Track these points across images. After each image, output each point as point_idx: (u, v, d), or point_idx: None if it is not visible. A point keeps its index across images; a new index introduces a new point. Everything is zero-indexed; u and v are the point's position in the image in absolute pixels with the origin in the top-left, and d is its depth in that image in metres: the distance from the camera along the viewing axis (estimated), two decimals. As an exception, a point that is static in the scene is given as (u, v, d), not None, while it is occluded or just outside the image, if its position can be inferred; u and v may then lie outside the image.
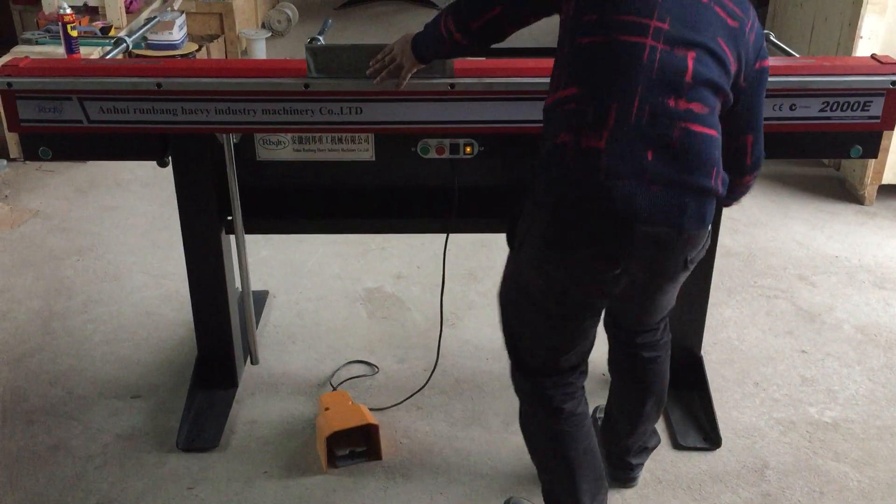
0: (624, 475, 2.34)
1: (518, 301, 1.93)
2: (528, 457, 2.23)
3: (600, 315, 1.96)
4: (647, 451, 2.35)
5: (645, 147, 1.64)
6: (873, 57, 2.26)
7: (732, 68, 1.71)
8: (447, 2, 1.96)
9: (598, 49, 1.67)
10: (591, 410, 2.55)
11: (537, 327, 1.93)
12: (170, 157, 2.35)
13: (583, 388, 2.04)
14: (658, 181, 1.65)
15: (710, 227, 1.79)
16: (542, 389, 1.98)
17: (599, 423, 2.42)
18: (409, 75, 2.05)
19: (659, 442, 2.40)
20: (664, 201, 1.66)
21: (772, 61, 2.27)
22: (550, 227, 1.74)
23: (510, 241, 1.90)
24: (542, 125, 1.81)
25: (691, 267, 1.82)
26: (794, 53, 2.53)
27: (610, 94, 1.65)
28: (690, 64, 1.65)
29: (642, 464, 2.35)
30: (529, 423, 2.06)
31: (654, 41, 1.64)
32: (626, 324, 2.13)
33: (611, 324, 2.17)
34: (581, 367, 2.02)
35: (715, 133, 1.70)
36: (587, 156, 1.65)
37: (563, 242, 1.74)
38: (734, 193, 1.91)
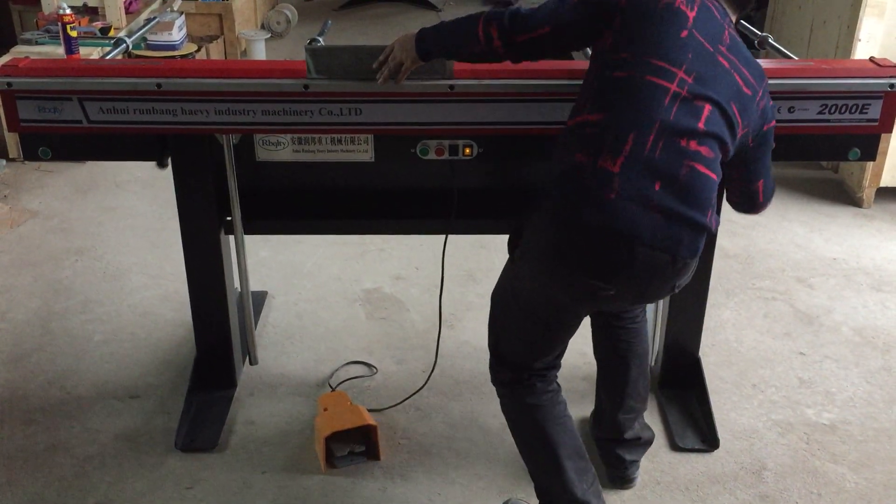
0: (620, 475, 2.35)
1: (509, 304, 2.03)
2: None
3: (580, 321, 2.07)
4: (640, 444, 2.36)
5: (654, 178, 1.76)
6: (871, 60, 2.27)
7: (739, 131, 1.85)
8: (445, 3, 1.97)
9: (626, 83, 1.79)
10: (589, 411, 2.58)
11: (522, 331, 2.05)
12: (169, 159, 2.35)
13: (556, 377, 2.15)
14: (660, 210, 1.77)
15: (697, 260, 1.91)
16: (519, 380, 2.11)
17: (590, 416, 2.49)
18: (408, 73, 2.07)
19: (653, 436, 2.41)
20: (664, 229, 1.78)
21: (771, 64, 2.29)
22: (554, 244, 1.84)
23: (511, 250, 2.00)
24: (556, 147, 1.91)
25: (676, 292, 1.96)
26: (792, 56, 2.53)
27: (630, 123, 1.77)
28: (705, 115, 1.79)
29: (637, 462, 2.36)
30: (508, 407, 2.16)
31: (678, 88, 1.78)
32: (608, 318, 2.31)
33: (597, 316, 2.31)
34: (556, 363, 2.14)
35: (716, 177, 1.84)
36: (602, 175, 1.76)
37: (564, 259, 1.83)
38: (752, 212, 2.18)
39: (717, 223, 1.91)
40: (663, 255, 1.79)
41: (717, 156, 1.82)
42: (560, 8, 1.89)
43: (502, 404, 2.17)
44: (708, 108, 1.78)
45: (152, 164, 2.37)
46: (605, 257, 1.79)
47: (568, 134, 1.88)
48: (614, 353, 2.32)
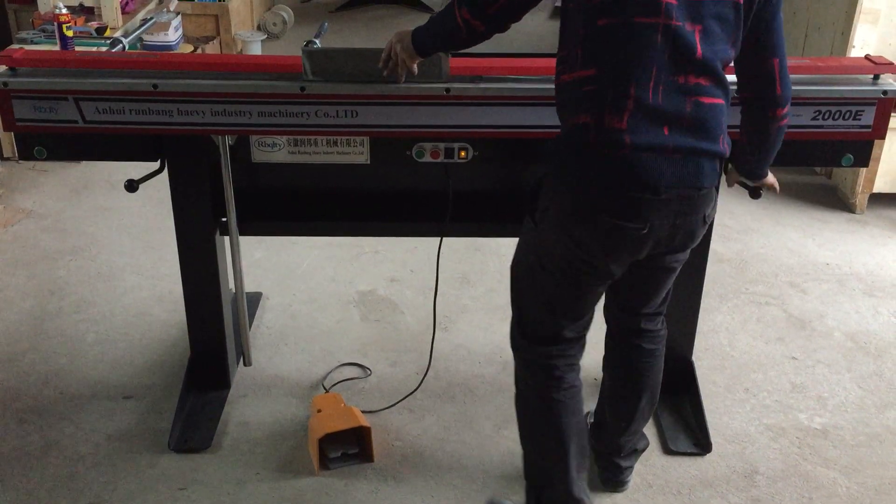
0: (614, 479, 2.35)
1: (534, 271, 2.00)
2: (519, 460, 2.24)
3: (608, 283, 2.02)
4: (636, 453, 2.36)
5: (661, 123, 1.77)
6: (867, 57, 2.28)
7: (743, 9, 1.80)
8: (442, 5, 1.98)
9: (616, 32, 1.76)
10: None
11: (551, 295, 2.00)
12: (139, 185, 2.35)
13: (580, 363, 2.11)
14: (675, 151, 1.78)
15: (716, 186, 1.91)
16: (545, 358, 2.06)
17: (590, 426, 2.43)
18: (407, 70, 2.08)
19: (647, 444, 2.41)
20: (684, 166, 1.79)
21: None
22: (577, 196, 1.83)
23: (531, 213, 1.97)
24: (555, 99, 1.90)
25: (707, 224, 1.94)
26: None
27: (627, 76, 1.76)
28: (698, 39, 1.76)
29: (632, 467, 2.36)
30: (527, 392, 2.12)
31: (666, 19, 1.73)
32: (631, 307, 2.17)
33: (614, 310, 2.21)
34: (582, 339, 2.10)
35: (722, 101, 1.83)
36: (610, 134, 1.77)
37: (592, 207, 1.82)
38: (772, 136, 2.00)
39: (729, 145, 1.89)
40: (688, 189, 1.81)
41: (719, 78, 1.80)
42: None
43: (520, 382, 2.12)
44: (699, 28, 1.76)
45: (147, 164, 2.38)
46: (632, 204, 1.80)
47: (566, 91, 1.86)
48: (627, 380, 2.24)
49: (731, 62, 1.86)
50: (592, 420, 2.43)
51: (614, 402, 2.28)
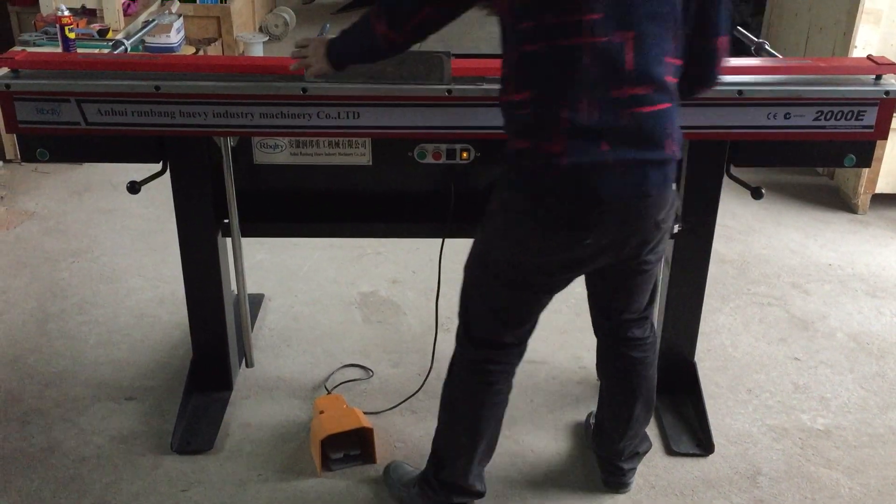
0: (616, 480, 2.35)
1: (483, 274, 2.01)
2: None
3: (553, 294, 2.02)
4: (638, 455, 2.36)
5: (599, 140, 1.75)
6: (869, 58, 2.28)
7: (680, 3, 1.76)
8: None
9: (542, 56, 1.75)
10: (584, 416, 2.58)
11: (495, 300, 2.01)
12: (142, 186, 2.35)
13: (515, 369, 2.14)
14: (615, 165, 1.76)
15: (675, 189, 1.89)
16: (483, 362, 2.08)
17: (592, 428, 2.43)
18: (315, 77, 2.06)
19: (650, 447, 2.41)
20: (626, 178, 1.77)
21: (770, 63, 2.31)
22: (522, 203, 1.83)
23: (482, 218, 1.97)
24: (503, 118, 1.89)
25: (664, 228, 1.90)
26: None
27: (557, 100, 1.74)
28: (630, 48, 1.72)
29: (634, 469, 2.36)
30: (457, 382, 2.15)
31: (590, 37, 1.71)
32: (614, 312, 2.16)
33: (599, 319, 2.21)
34: (522, 346, 2.11)
35: (667, 105, 1.79)
36: (547, 159, 1.76)
37: (534, 217, 1.82)
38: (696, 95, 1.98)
39: (680, 148, 1.85)
40: (631, 199, 1.79)
41: (660, 83, 1.76)
42: None
43: (452, 374, 2.15)
44: (630, 35, 1.72)
45: (149, 165, 2.38)
46: (573, 218, 1.79)
47: (504, 112, 1.86)
48: (619, 389, 2.24)
49: (678, 56, 1.81)
50: (593, 422, 2.43)
51: (610, 408, 2.29)
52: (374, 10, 1.89)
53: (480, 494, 2.24)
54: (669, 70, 1.79)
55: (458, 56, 2.15)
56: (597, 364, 2.31)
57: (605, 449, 2.34)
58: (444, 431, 2.19)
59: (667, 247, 2.52)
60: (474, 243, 2.04)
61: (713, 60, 1.90)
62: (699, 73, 1.90)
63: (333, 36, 2.03)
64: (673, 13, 1.76)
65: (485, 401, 2.10)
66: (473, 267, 2.04)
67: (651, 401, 2.26)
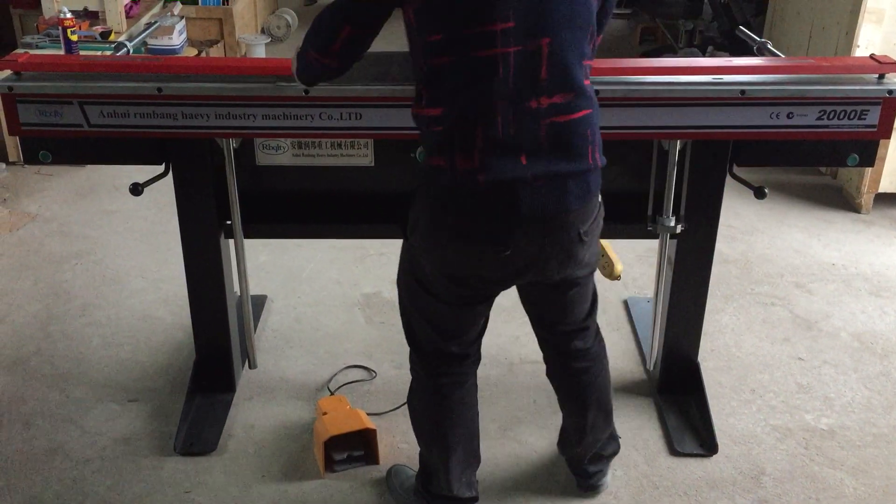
0: (584, 482, 2.35)
1: (413, 286, 1.99)
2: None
3: (491, 302, 2.01)
4: (603, 458, 2.34)
5: (517, 153, 1.71)
6: (872, 57, 2.28)
7: (595, 4, 1.74)
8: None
9: (455, 70, 1.70)
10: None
11: (429, 312, 2.00)
12: (144, 188, 2.35)
13: (475, 376, 2.11)
14: (535, 179, 1.72)
15: (599, 198, 1.86)
16: (434, 376, 2.07)
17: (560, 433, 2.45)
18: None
19: (617, 449, 2.36)
20: (546, 192, 1.73)
21: (772, 62, 2.31)
22: (439, 216, 1.81)
23: (403, 229, 1.95)
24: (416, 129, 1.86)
25: (587, 240, 1.85)
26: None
27: (474, 116, 1.70)
28: (545, 54, 1.68)
29: (602, 471, 2.34)
30: (416, 402, 2.16)
31: (503, 48, 1.66)
32: (551, 325, 2.13)
33: (540, 332, 2.18)
34: (472, 356, 2.09)
35: (586, 111, 1.75)
36: (464, 176, 1.73)
37: (451, 229, 1.80)
38: None
39: (602, 154, 1.81)
40: (552, 214, 1.75)
41: (577, 88, 1.72)
42: (345, 1, 1.77)
43: (411, 391, 2.15)
44: (545, 42, 1.67)
45: (152, 167, 2.38)
46: (491, 233, 1.76)
47: (417, 125, 1.82)
48: (568, 399, 2.23)
49: (591, 58, 1.79)
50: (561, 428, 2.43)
51: (565, 417, 2.29)
52: (305, 35, 1.86)
53: (472, 501, 2.22)
54: (586, 73, 1.76)
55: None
56: (546, 374, 2.27)
57: (568, 452, 2.35)
58: (420, 446, 2.20)
59: (669, 246, 2.53)
60: (400, 256, 2.02)
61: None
62: None
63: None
64: (587, 15, 1.73)
65: (444, 414, 2.09)
66: (403, 280, 2.02)
67: (606, 407, 2.23)
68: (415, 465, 2.44)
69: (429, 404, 2.11)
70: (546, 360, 2.23)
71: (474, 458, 2.19)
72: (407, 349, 2.95)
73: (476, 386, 2.15)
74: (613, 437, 2.34)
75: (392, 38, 2.09)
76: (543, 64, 1.69)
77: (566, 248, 1.83)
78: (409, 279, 1.99)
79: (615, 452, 2.37)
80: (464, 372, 2.09)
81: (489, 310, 2.04)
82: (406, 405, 2.64)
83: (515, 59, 1.67)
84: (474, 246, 1.79)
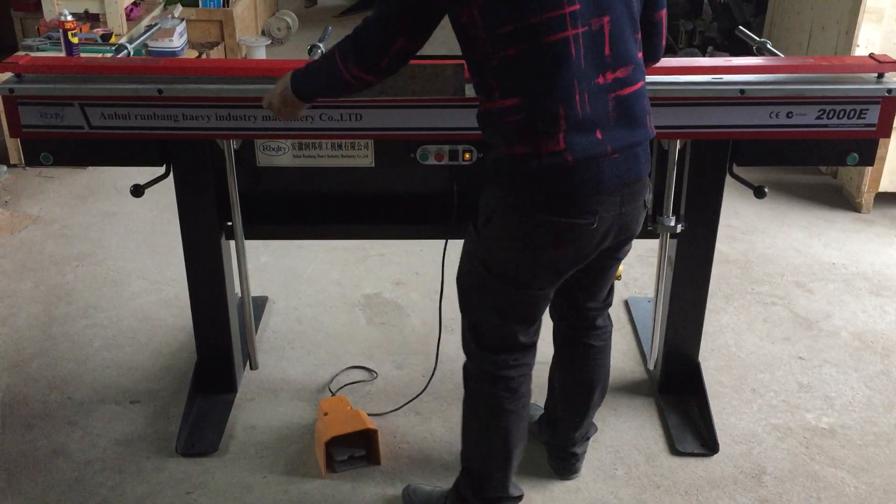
0: (570, 467, 2.39)
1: (483, 278, 1.97)
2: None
3: (554, 289, 2.02)
4: (587, 440, 2.40)
5: (593, 129, 1.77)
6: (871, 56, 2.28)
7: None
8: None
9: (530, 57, 1.73)
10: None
11: (501, 301, 1.98)
12: (145, 190, 2.36)
13: (532, 370, 2.12)
14: (613, 152, 1.80)
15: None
16: (501, 368, 2.04)
17: (541, 422, 2.47)
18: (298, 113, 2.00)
19: (596, 430, 2.43)
20: (624, 164, 1.82)
21: (771, 61, 2.31)
22: (524, 202, 1.83)
23: (473, 222, 1.96)
24: (485, 128, 1.87)
25: (646, 209, 1.97)
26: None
27: (553, 99, 1.74)
28: (607, 32, 1.76)
29: (584, 451, 2.41)
30: (479, 396, 2.10)
31: (573, 29, 1.72)
32: (582, 302, 2.18)
33: (565, 309, 2.21)
34: (534, 347, 2.10)
35: (639, 84, 1.84)
36: (552, 158, 1.77)
37: (539, 210, 1.82)
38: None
39: (654, 124, 1.92)
40: (630, 182, 1.83)
41: (634, 62, 1.81)
42: (395, 12, 1.73)
43: (471, 392, 2.10)
44: (606, 19, 1.75)
45: (152, 169, 2.38)
46: (578, 203, 1.81)
47: (492, 119, 1.82)
48: (580, 379, 2.26)
49: (640, 29, 1.86)
50: (542, 413, 2.46)
51: (567, 399, 2.31)
52: (339, 51, 1.80)
53: (520, 499, 2.23)
54: (638, 46, 1.84)
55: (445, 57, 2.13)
56: (554, 356, 2.30)
57: (557, 438, 2.38)
58: (475, 450, 2.16)
59: (669, 246, 2.53)
60: (467, 253, 2.02)
61: (658, 34, 1.97)
62: (647, 49, 1.94)
63: (296, 70, 1.93)
64: None
65: (512, 410, 2.07)
66: (472, 275, 2.01)
67: (605, 387, 2.31)
68: (418, 469, 2.45)
69: (497, 403, 2.06)
70: (561, 340, 2.27)
71: (523, 453, 2.19)
72: (408, 349, 2.97)
73: (530, 391, 2.14)
74: (593, 422, 2.41)
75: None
76: (606, 41, 1.76)
77: (636, 216, 1.93)
78: (482, 273, 1.96)
79: (595, 432, 2.43)
80: (529, 363, 2.09)
81: (555, 289, 2.05)
82: (402, 406, 2.67)
83: (584, 40, 1.73)
84: (566, 221, 1.82)
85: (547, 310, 2.11)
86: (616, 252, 2.03)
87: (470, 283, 2.03)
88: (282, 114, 1.99)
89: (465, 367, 2.11)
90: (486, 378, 2.07)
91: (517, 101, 1.76)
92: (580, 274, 2.05)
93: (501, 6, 1.71)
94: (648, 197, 1.94)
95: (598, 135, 1.77)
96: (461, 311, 2.08)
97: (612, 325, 2.28)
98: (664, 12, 1.97)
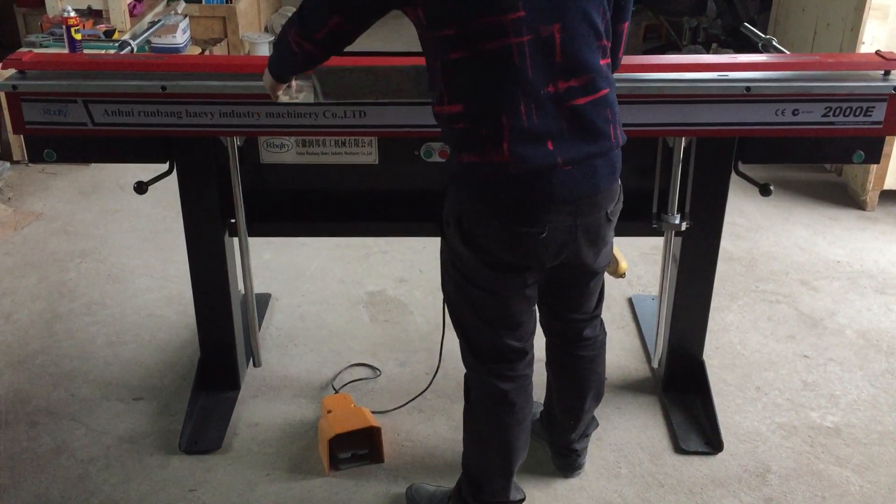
0: (571, 463, 2.39)
1: (459, 284, 1.97)
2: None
3: (536, 289, 2.01)
4: (587, 437, 2.40)
5: (544, 140, 1.72)
6: (878, 53, 2.27)
7: None
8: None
9: (470, 64, 1.71)
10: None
11: (481, 306, 1.97)
12: (148, 187, 2.35)
13: (531, 379, 2.09)
14: (565, 163, 1.74)
15: (619, 180, 1.89)
16: (498, 379, 2.03)
17: (535, 416, 2.46)
18: (279, 93, 2.04)
19: (597, 425, 2.42)
20: (578, 176, 1.76)
21: (778, 59, 2.30)
22: (475, 207, 1.82)
23: (440, 228, 1.96)
24: (442, 130, 1.86)
25: (613, 220, 1.92)
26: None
27: (495, 108, 1.71)
28: (557, 40, 1.70)
29: (586, 448, 2.40)
30: (479, 407, 2.09)
31: (516, 37, 1.67)
32: (565, 313, 2.15)
33: (551, 320, 2.20)
34: (528, 354, 2.07)
35: (603, 91, 1.77)
36: (496, 168, 1.74)
37: (490, 215, 1.81)
38: None
39: (622, 133, 1.84)
40: (584, 196, 1.79)
41: (592, 69, 1.74)
42: None
43: (471, 403, 2.10)
44: (557, 27, 1.69)
45: (156, 166, 2.38)
46: (527, 216, 1.78)
47: (442, 124, 1.83)
48: (570, 386, 2.25)
49: (607, 38, 1.79)
50: (541, 410, 2.46)
51: (560, 402, 2.30)
52: (289, 20, 1.86)
53: (521, 502, 2.23)
54: (601, 55, 1.78)
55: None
56: (547, 362, 2.28)
57: (556, 436, 2.37)
58: (475, 456, 2.16)
59: (674, 244, 2.52)
60: (442, 262, 2.01)
61: (618, 46, 1.90)
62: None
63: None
64: None
65: (511, 423, 2.06)
66: (449, 281, 2.01)
67: (600, 391, 2.28)
68: (421, 467, 2.44)
69: (495, 416, 2.06)
70: (551, 349, 2.25)
71: (524, 456, 2.18)
72: (412, 346, 2.97)
73: (531, 398, 2.12)
74: (594, 417, 2.39)
75: (396, 39, 2.07)
76: (557, 49, 1.70)
77: (596, 228, 1.88)
78: (457, 278, 1.96)
79: (596, 427, 2.42)
80: (526, 374, 2.06)
81: (536, 300, 2.03)
82: (406, 404, 2.66)
83: (529, 48, 1.68)
84: (512, 230, 1.81)
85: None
86: (591, 264, 1.97)
87: (449, 290, 2.03)
88: (273, 95, 2.05)
89: (466, 379, 2.11)
90: (484, 391, 2.06)
91: (461, 109, 1.74)
92: (558, 285, 2.05)
93: (443, 8, 1.69)
94: (612, 208, 1.88)
95: (550, 146, 1.72)
96: (452, 322, 2.07)
97: (604, 334, 2.23)
98: (627, 24, 1.90)
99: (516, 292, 1.95)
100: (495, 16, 1.66)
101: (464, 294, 1.98)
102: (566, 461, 2.39)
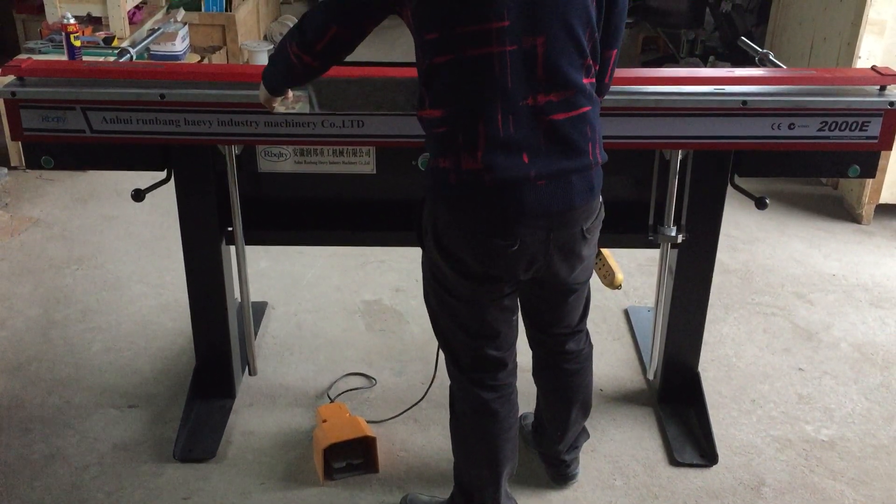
0: (562, 473, 2.38)
1: (438, 293, 1.98)
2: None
3: (516, 300, 2.01)
4: (577, 448, 2.39)
5: (519, 152, 1.73)
6: (873, 69, 2.28)
7: (593, 5, 1.74)
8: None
9: (452, 69, 1.72)
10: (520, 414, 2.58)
11: (459, 315, 1.98)
12: (146, 194, 2.36)
13: (515, 389, 2.10)
14: (539, 178, 1.74)
15: (600, 197, 1.88)
16: (479, 389, 2.03)
17: (528, 427, 2.48)
18: (275, 105, 2.06)
19: (588, 437, 2.41)
20: (551, 191, 1.76)
21: (774, 73, 2.31)
22: (448, 216, 1.83)
23: (418, 237, 1.97)
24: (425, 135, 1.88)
25: (589, 237, 1.90)
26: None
27: (474, 115, 1.72)
28: (540, 53, 1.70)
29: (577, 458, 2.40)
30: (463, 418, 2.10)
31: (499, 46, 1.68)
32: (548, 327, 2.15)
33: (534, 333, 2.19)
34: (509, 364, 2.07)
35: (585, 108, 1.77)
36: (469, 176, 1.74)
37: (461, 227, 1.82)
38: None
39: (602, 152, 1.83)
40: (558, 211, 1.77)
41: (575, 85, 1.74)
42: (337, 1, 1.79)
43: (455, 415, 2.11)
44: (540, 40, 1.69)
45: (153, 173, 2.38)
46: (498, 228, 1.78)
47: (424, 129, 1.84)
48: (555, 399, 2.26)
49: (593, 59, 1.79)
50: (532, 420, 2.46)
51: (547, 413, 2.30)
52: (288, 33, 1.88)
53: None
54: (584, 73, 1.77)
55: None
56: (533, 374, 2.28)
57: (546, 447, 2.37)
58: (464, 467, 2.16)
59: (670, 256, 2.53)
60: (423, 271, 2.02)
61: (604, 71, 1.89)
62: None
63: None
64: (587, 15, 1.74)
65: (496, 433, 2.06)
66: (429, 289, 2.02)
67: (588, 404, 2.28)
68: (416, 477, 2.44)
69: (480, 427, 2.07)
70: (536, 360, 2.25)
71: (515, 464, 2.18)
72: (407, 356, 2.97)
73: (517, 400, 2.12)
74: (585, 430, 2.39)
75: (395, 47, 2.08)
76: (539, 62, 1.71)
77: (570, 243, 1.86)
78: (435, 287, 1.97)
79: (587, 439, 2.42)
80: (508, 384, 2.07)
81: (516, 311, 2.03)
82: (401, 414, 2.66)
83: (511, 58, 1.69)
84: (483, 241, 1.81)
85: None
86: (565, 278, 1.96)
87: (429, 300, 2.04)
88: (268, 107, 2.07)
89: (450, 390, 2.12)
90: (467, 401, 2.07)
91: (441, 113, 1.76)
92: (537, 299, 2.06)
93: (429, 12, 1.71)
94: (589, 225, 1.87)
95: (525, 158, 1.73)
96: (434, 332, 2.09)
97: (589, 347, 2.23)
98: (616, 52, 1.89)
99: (493, 302, 1.95)
100: (479, 23, 1.67)
101: (443, 303, 1.99)
102: (557, 471, 2.39)
